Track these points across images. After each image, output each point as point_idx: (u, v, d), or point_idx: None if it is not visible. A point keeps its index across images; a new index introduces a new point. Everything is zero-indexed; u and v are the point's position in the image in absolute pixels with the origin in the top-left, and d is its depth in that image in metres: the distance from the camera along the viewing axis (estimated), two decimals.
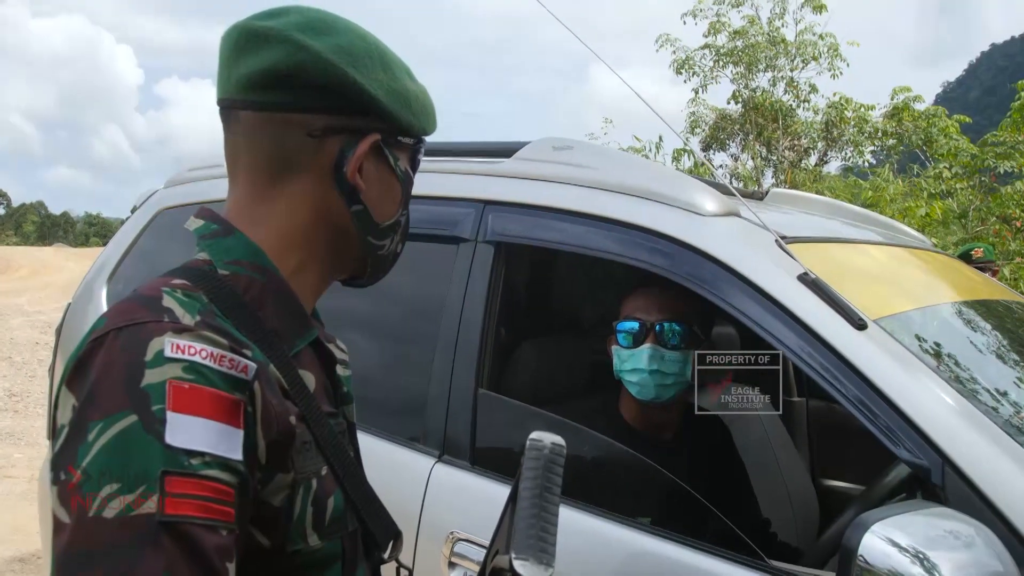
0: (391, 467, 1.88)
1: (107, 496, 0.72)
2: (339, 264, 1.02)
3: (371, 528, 0.99)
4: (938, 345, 1.73)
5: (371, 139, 0.95)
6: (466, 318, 1.91)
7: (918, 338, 1.68)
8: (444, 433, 1.88)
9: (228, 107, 0.95)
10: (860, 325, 1.48)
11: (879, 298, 1.76)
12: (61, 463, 0.75)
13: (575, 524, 1.62)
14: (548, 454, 0.97)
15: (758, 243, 1.68)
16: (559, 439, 1.00)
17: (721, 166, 13.71)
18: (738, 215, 1.78)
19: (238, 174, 0.96)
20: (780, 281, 1.57)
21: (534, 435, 1.00)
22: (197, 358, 0.78)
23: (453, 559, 1.73)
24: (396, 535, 1.05)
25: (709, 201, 1.76)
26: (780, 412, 2.59)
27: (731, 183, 2.13)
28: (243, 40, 0.92)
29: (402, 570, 1.11)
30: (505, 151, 2.09)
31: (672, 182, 1.85)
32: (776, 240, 1.67)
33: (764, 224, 1.70)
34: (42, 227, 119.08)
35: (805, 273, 1.57)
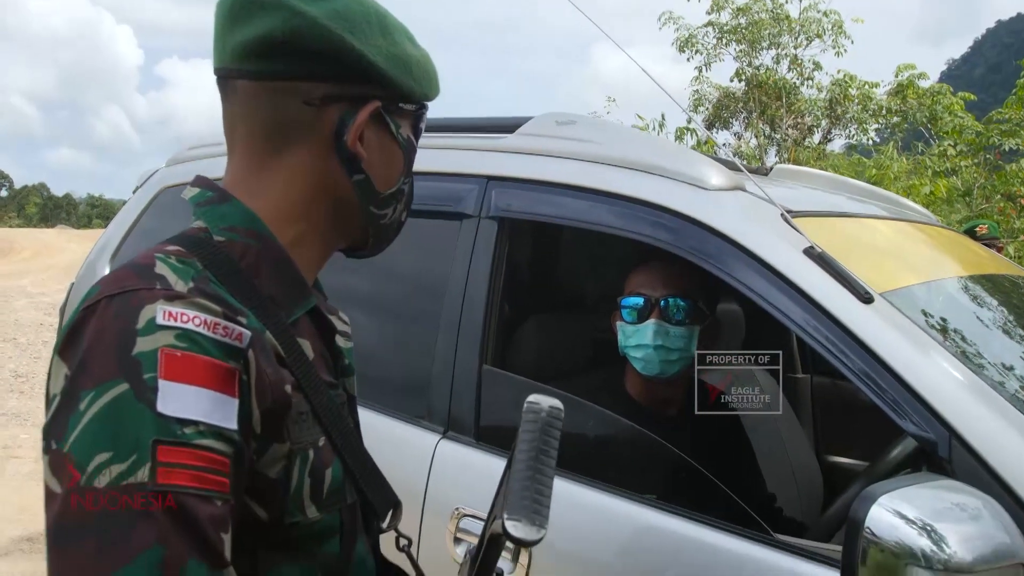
0: (396, 444, 1.88)
1: (98, 465, 0.71)
2: (340, 234, 1.01)
3: (370, 498, 0.98)
4: (945, 319, 1.72)
5: (371, 106, 0.93)
6: (470, 294, 1.90)
7: (924, 312, 1.67)
8: (448, 410, 1.88)
9: (225, 77, 0.93)
10: (866, 299, 1.47)
11: (885, 272, 1.75)
12: (52, 432, 0.74)
13: (580, 499, 1.62)
14: (545, 417, 0.95)
15: (764, 217, 1.67)
16: (557, 403, 0.98)
17: (724, 144, 13.65)
18: (743, 189, 1.77)
19: (236, 145, 0.95)
20: (786, 255, 1.56)
21: (532, 398, 0.98)
22: (190, 325, 0.77)
23: (459, 535, 1.73)
24: (395, 504, 1.04)
25: (714, 175, 1.74)
26: (784, 388, 2.59)
27: (732, 159, 2.12)
28: (237, 7, 0.90)
29: (402, 540, 1.10)
30: (508, 126, 2.07)
31: (677, 156, 1.84)
32: (782, 214, 1.65)
33: (770, 198, 1.69)
34: (44, 209, 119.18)
35: (811, 247, 1.56)
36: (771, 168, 2.65)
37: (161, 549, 0.70)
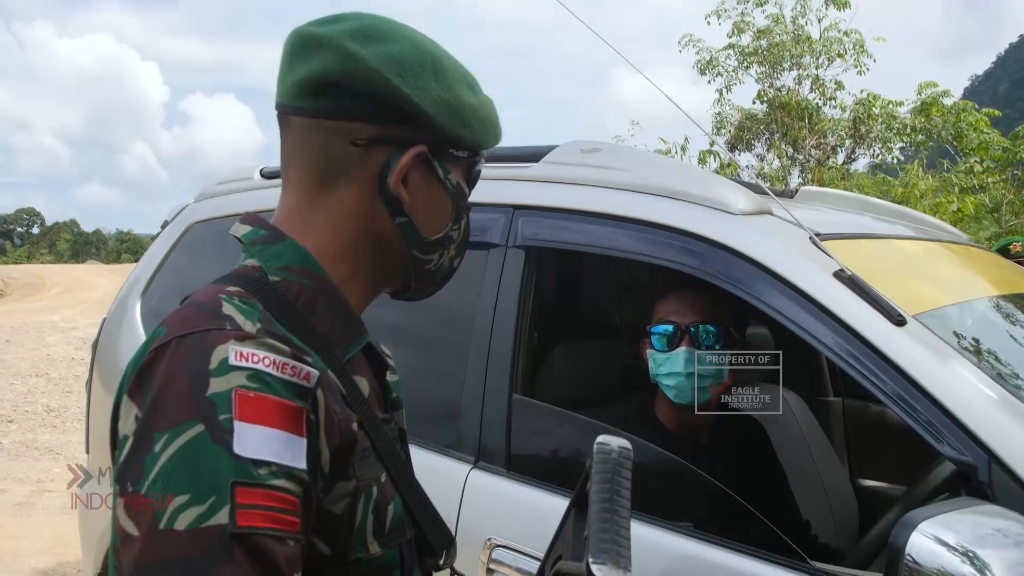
0: (426, 474, 1.86)
1: (177, 507, 0.71)
2: (385, 276, 1.00)
3: (427, 534, 0.98)
4: (981, 340, 1.69)
5: (416, 150, 0.92)
6: (498, 323, 1.91)
7: (959, 333, 1.65)
8: (479, 439, 1.88)
9: (283, 113, 0.95)
10: (899, 321, 1.45)
11: (917, 294, 1.73)
12: (128, 475, 0.74)
13: None
14: (616, 458, 0.96)
15: (792, 241, 1.66)
16: (626, 443, 0.99)
17: (748, 166, 13.60)
18: (770, 213, 1.76)
19: (290, 180, 0.96)
20: (816, 278, 1.55)
21: (601, 439, 0.99)
22: (260, 366, 0.77)
23: (491, 566, 1.72)
24: (450, 542, 1.04)
25: (741, 199, 1.74)
26: (816, 412, 2.56)
27: (757, 183, 2.11)
28: (298, 45, 0.92)
29: None
30: (533, 155, 2.08)
31: (702, 181, 1.84)
32: (811, 237, 1.64)
33: (798, 221, 1.68)
34: (75, 245, 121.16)
35: (841, 270, 1.54)
36: (796, 190, 2.64)
37: None
